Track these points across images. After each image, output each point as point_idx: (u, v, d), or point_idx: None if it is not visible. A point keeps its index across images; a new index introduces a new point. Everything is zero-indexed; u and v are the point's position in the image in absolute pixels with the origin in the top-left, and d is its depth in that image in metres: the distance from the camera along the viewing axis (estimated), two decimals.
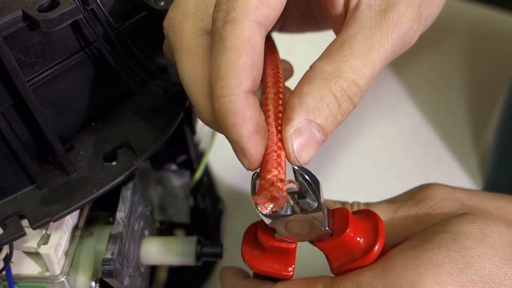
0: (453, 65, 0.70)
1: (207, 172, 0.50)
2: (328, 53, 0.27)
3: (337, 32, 0.30)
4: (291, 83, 0.31)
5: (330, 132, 0.26)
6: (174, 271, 0.45)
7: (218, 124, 0.26)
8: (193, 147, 0.44)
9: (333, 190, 0.58)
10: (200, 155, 0.46)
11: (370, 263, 0.28)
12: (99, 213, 0.36)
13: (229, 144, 0.49)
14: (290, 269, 0.29)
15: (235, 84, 0.24)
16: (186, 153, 0.43)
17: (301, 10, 0.35)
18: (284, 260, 0.29)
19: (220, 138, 0.44)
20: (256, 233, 0.29)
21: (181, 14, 0.27)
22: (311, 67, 0.27)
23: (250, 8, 0.24)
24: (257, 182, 0.26)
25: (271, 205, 0.26)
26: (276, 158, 0.25)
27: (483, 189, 0.58)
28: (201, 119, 0.27)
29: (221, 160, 0.56)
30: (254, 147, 0.25)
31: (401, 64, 0.70)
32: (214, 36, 0.25)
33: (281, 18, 0.33)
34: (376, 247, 0.28)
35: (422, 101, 0.66)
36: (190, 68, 0.27)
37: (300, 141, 0.26)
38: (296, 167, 0.26)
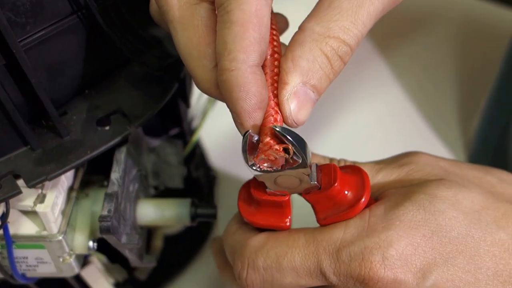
0: (442, 49, 0.69)
1: (199, 146, 0.49)
2: (317, 12, 0.26)
3: None
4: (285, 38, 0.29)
5: (323, 91, 0.26)
6: (170, 240, 0.44)
7: (219, 94, 0.25)
8: (186, 121, 0.43)
9: None
10: (193, 132, 0.45)
11: (355, 215, 0.28)
12: (94, 176, 0.35)
13: (221, 123, 0.47)
14: (287, 220, 0.29)
15: (242, 58, 0.24)
16: (179, 126, 0.42)
17: None
18: (279, 213, 0.29)
19: (212, 115, 0.43)
20: (250, 190, 0.29)
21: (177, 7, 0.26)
22: (300, 28, 0.26)
23: None
24: (253, 140, 0.26)
25: (270, 165, 0.26)
26: (273, 122, 0.25)
27: None
28: (199, 89, 0.27)
29: (213, 139, 0.56)
30: (254, 122, 0.25)
31: (389, 46, 0.69)
32: (219, 9, 0.24)
33: None
34: (363, 200, 0.28)
35: (409, 84, 0.65)
36: (187, 40, 0.26)
37: (296, 104, 0.25)
38: (278, 130, 0.25)
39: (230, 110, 0.25)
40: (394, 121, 0.62)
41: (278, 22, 0.31)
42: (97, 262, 0.36)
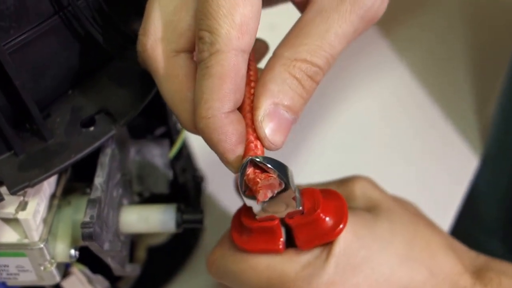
0: (448, 28, 0.73)
1: (186, 147, 0.53)
2: (287, 39, 0.30)
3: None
4: None
5: (299, 110, 0.30)
6: (155, 250, 0.48)
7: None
8: (172, 118, 0.46)
9: (326, 156, 0.61)
10: (179, 130, 0.48)
11: (333, 239, 0.33)
12: (77, 183, 0.38)
13: None
14: (279, 243, 0.34)
15: (217, 107, 0.28)
16: (165, 125, 0.46)
17: None
18: (272, 237, 0.34)
19: None
20: (240, 219, 0.34)
21: (152, 40, 0.31)
22: (273, 53, 0.31)
23: (232, 39, 0.28)
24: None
25: (265, 193, 0.30)
26: (254, 149, 0.30)
27: (483, 160, 0.61)
28: (186, 130, 0.32)
29: (201, 139, 0.59)
30: (239, 157, 0.30)
31: (393, 27, 0.73)
32: (200, 65, 0.29)
33: None
34: (341, 226, 0.33)
35: (416, 67, 0.69)
36: (169, 88, 0.31)
37: (271, 126, 0.30)
38: (258, 160, 0.29)
39: (214, 151, 0.30)
40: (401, 106, 0.66)
41: (259, 48, 0.36)
42: (78, 272, 0.40)
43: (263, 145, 0.30)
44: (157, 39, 0.31)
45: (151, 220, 0.38)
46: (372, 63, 0.71)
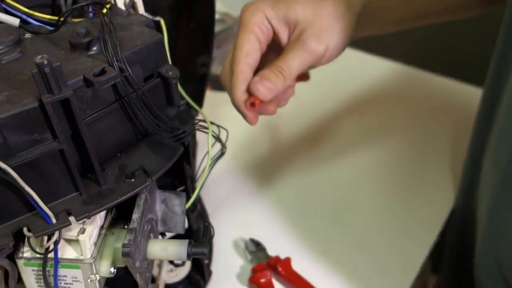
0: (419, 120, 0.89)
1: (200, 202, 0.66)
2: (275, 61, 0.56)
3: None
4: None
5: (275, 81, 0.54)
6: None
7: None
8: (189, 180, 0.60)
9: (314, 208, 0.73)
10: (194, 189, 0.61)
11: None
12: (118, 220, 0.51)
13: (220, 185, 0.68)
14: None
15: (236, 88, 0.54)
16: (184, 184, 0.59)
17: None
18: None
19: (210, 176, 0.60)
20: None
21: (224, 75, 0.58)
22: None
23: (242, 58, 0.55)
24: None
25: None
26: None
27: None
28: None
29: (211, 198, 0.73)
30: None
31: (366, 114, 0.88)
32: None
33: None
34: None
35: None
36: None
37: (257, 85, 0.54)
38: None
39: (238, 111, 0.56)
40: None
41: (302, 77, 0.62)
42: None
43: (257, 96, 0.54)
44: (225, 72, 0.57)
45: (169, 250, 0.51)
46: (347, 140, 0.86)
